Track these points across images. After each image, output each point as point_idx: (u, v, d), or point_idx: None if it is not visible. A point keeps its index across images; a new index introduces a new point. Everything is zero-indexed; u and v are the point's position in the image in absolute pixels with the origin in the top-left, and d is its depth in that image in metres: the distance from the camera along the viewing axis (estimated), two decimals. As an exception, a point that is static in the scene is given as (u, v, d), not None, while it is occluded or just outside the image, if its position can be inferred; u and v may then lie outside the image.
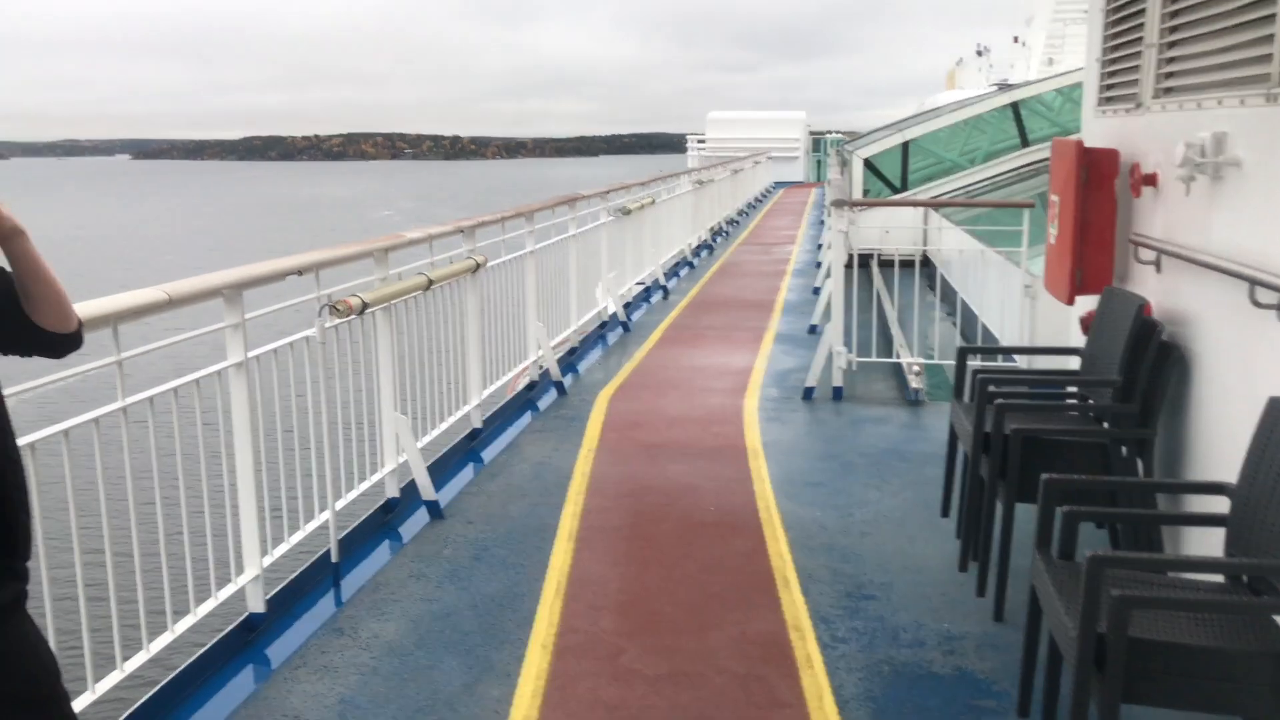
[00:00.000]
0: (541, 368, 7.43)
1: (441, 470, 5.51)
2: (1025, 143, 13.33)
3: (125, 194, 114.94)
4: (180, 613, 3.45)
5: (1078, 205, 4.32)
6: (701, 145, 29.52)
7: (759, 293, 11.98)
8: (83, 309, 2.77)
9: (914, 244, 12.33)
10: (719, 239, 17.57)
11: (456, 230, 5.77)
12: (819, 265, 14.10)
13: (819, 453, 5.90)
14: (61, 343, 1.93)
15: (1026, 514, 3.37)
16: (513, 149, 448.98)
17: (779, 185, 30.65)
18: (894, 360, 7.46)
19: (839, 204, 6.98)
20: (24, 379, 2.59)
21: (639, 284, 11.37)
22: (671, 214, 13.29)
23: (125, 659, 3.15)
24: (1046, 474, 2.89)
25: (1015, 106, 13.24)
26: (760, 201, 26.40)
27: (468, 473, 5.65)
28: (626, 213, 10.08)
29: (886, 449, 5.93)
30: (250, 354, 3.73)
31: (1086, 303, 4.47)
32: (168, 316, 3.38)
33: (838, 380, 7.05)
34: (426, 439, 5.41)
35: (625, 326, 9.65)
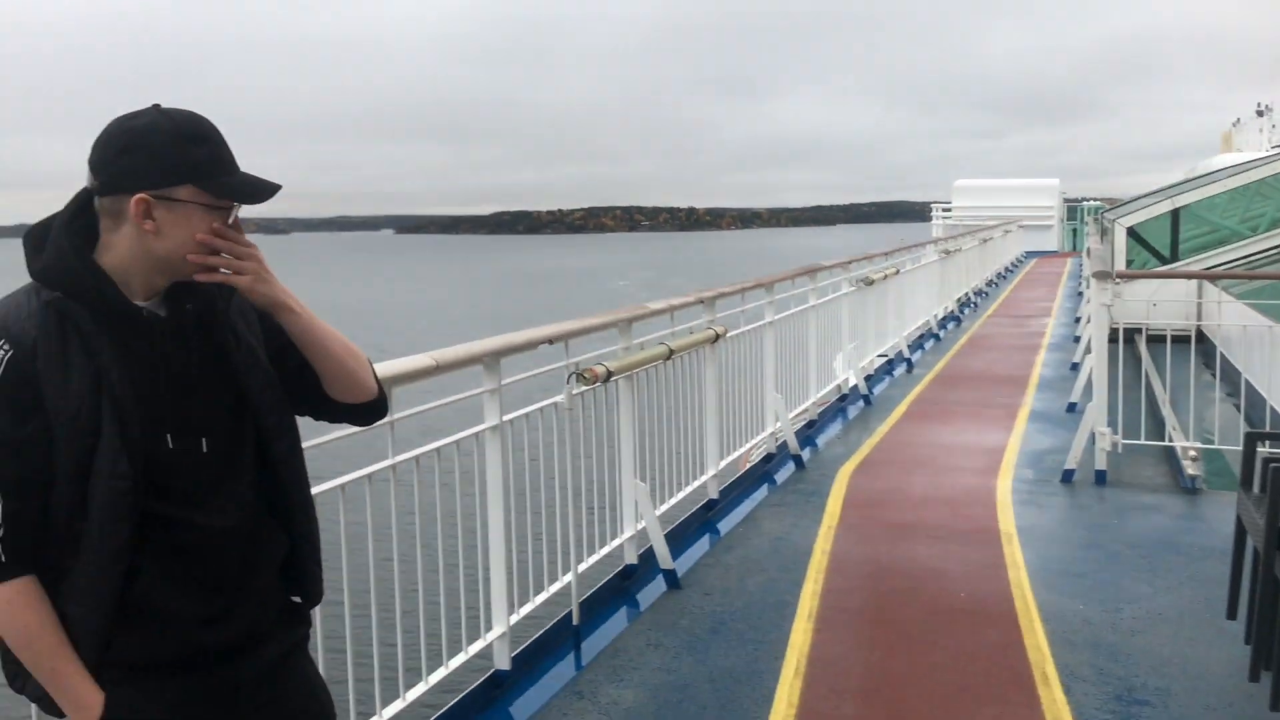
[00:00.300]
0: (779, 440, 7.34)
1: (678, 539, 5.51)
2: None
3: (390, 266, 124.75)
4: (433, 663, 3.59)
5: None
6: (947, 214, 28.73)
7: (1011, 367, 11.39)
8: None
9: (1186, 318, 11.42)
10: (967, 310, 16.93)
11: (697, 301, 5.83)
12: (1077, 340, 13.29)
13: (1080, 540, 5.48)
14: (361, 411, 1.95)
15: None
16: (747, 220, 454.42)
17: (1031, 255, 29.34)
18: (1165, 444, 6.85)
19: (1101, 275, 6.53)
20: (309, 435, 2.79)
21: (881, 356, 11.10)
22: (916, 284, 12.94)
23: (384, 705, 3.29)
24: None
25: (1304, 169, 12.02)
26: (1011, 272, 25.31)
27: (704, 543, 5.62)
28: (869, 283, 9.89)
29: (1158, 540, 5.43)
30: (505, 418, 3.89)
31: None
32: (431, 381, 3.57)
33: (1101, 463, 6.56)
34: (664, 507, 5.43)
35: (867, 400, 9.42)
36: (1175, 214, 12.45)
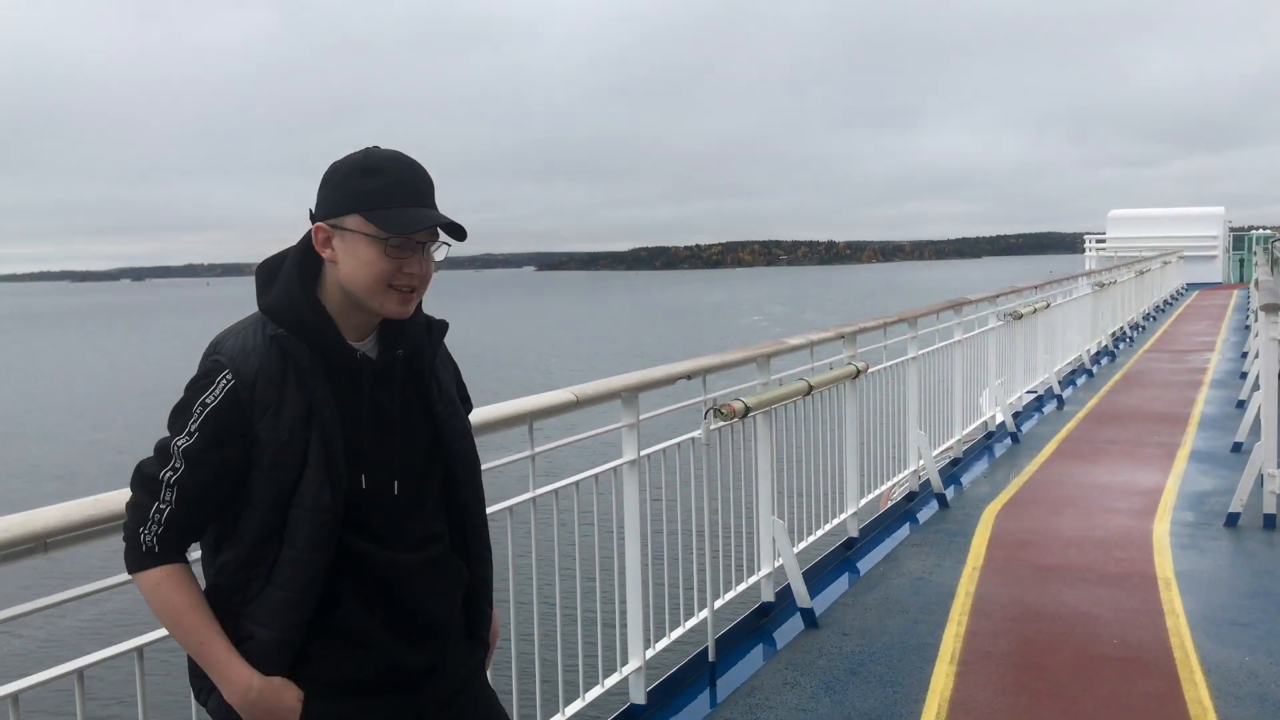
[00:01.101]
0: (922, 478, 7.18)
1: (816, 577, 5.45)
2: None
3: (533, 302, 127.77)
4: (570, 696, 3.65)
5: None
6: (1101, 245, 27.59)
7: (1170, 404, 10.84)
8: (503, 408, 3.08)
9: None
10: (1122, 345, 16.22)
11: (838, 336, 5.79)
12: (1243, 376, 12.56)
13: (1246, 589, 5.17)
14: None
15: None
16: (889, 252, 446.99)
17: (1192, 287, 27.91)
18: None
19: (1272, 308, 6.17)
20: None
21: (1030, 392, 10.74)
22: (1068, 318, 12.49)
23: None
24: None
25: None
26: (1170, 305, 24.12)
27: (842, 582, 5.54)
28: (1017, 317, 9.61)
29: (1336, 591, 5.07)
30: (643, 452, 3.95)
31: None
32: (570, 415, 3.67)
33: (1270, 506, 6.18)
34: (802, 545, 5.39)
35: (1014, 438, 9.12)
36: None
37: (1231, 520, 6.25)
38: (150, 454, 1.79)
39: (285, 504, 1.74)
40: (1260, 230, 36.75)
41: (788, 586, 5.00)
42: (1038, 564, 5.65)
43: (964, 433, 8.37)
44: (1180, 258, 26.98)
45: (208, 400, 1.73)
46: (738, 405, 4.39)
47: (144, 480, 1.77)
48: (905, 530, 6.50)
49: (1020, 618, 4.86)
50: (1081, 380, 12.90)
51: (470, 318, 79.80)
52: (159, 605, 1.77)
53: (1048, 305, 11.06)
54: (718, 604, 4.48)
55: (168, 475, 1.74)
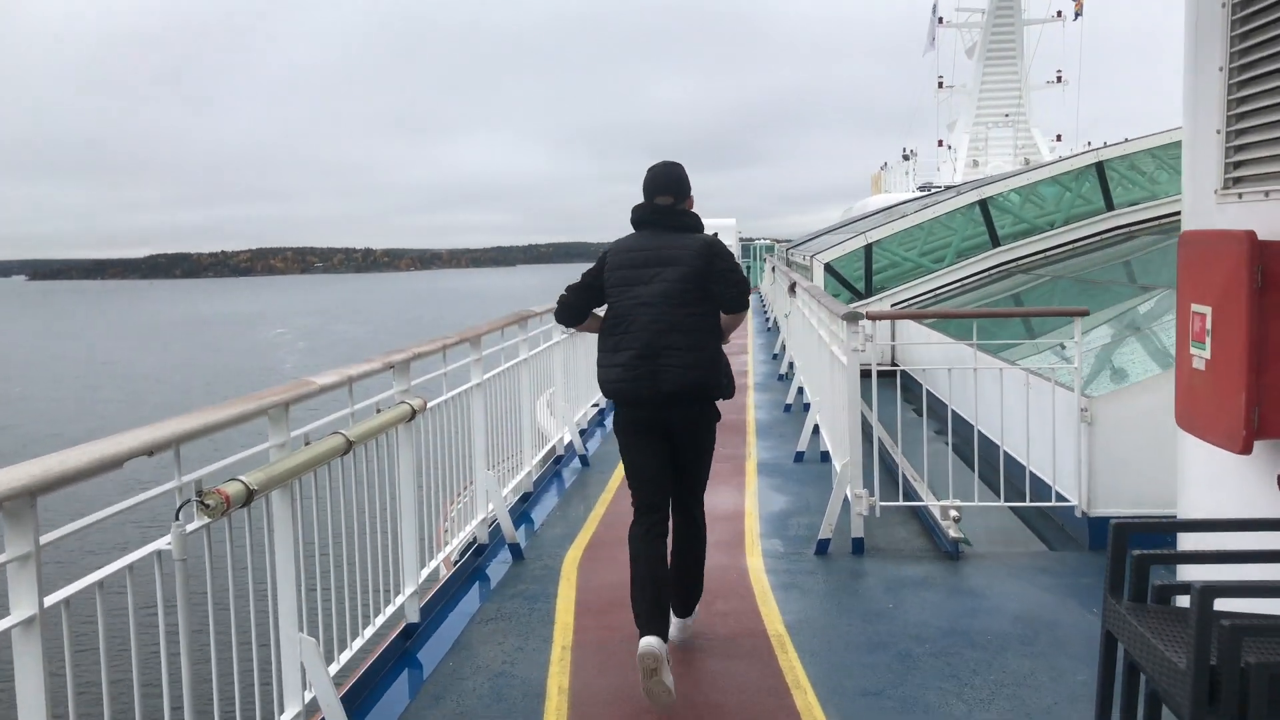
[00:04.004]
0: (491, 524, 6.01)
1: (369, 686, 4.06)
2: (996, 242, 12.44)
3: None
4: None
5: (1251, 318, 3.16)
6: (632, 253, 28.80)
7: (724, 409, 10.69)
8: None
9: (881, 355, 11.09)
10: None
11: (385, 367, 4.39)
12: (782, 378, 12.96)
13: (864, 640, 4.54)
14: None
15: None
16: (428, 261, 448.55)
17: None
18: (921, 503, 6.16)
19: (852, 317, 5.73)
20: None
21: (594, 405, 10.06)
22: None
23: None
24: None
25: (983, 204, 12.37)
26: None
27: (402, 690, 4.18)
28: (579, 329, 8.83)
29: (946, 629, 4.62)
30: (49, 601, 2.30)
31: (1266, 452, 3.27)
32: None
33: (857, 530, 5.77)
34: (346, 655, 3.95)
35: (584, 460, 8.29)
36: (869, 249, 12.42)
37: (822, 548, 5.77)
38: None
39: None
40: (762, 240, 40.73)
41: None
42: (635, 633, 4.66)
43: (534, 462, 7.35)
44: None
45: None
46: (233, 488, 2.86)
47: None
48: (476, 599, 5.26)
49: (631, 717, 3.82)
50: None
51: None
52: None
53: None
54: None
55: None
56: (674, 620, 4.39)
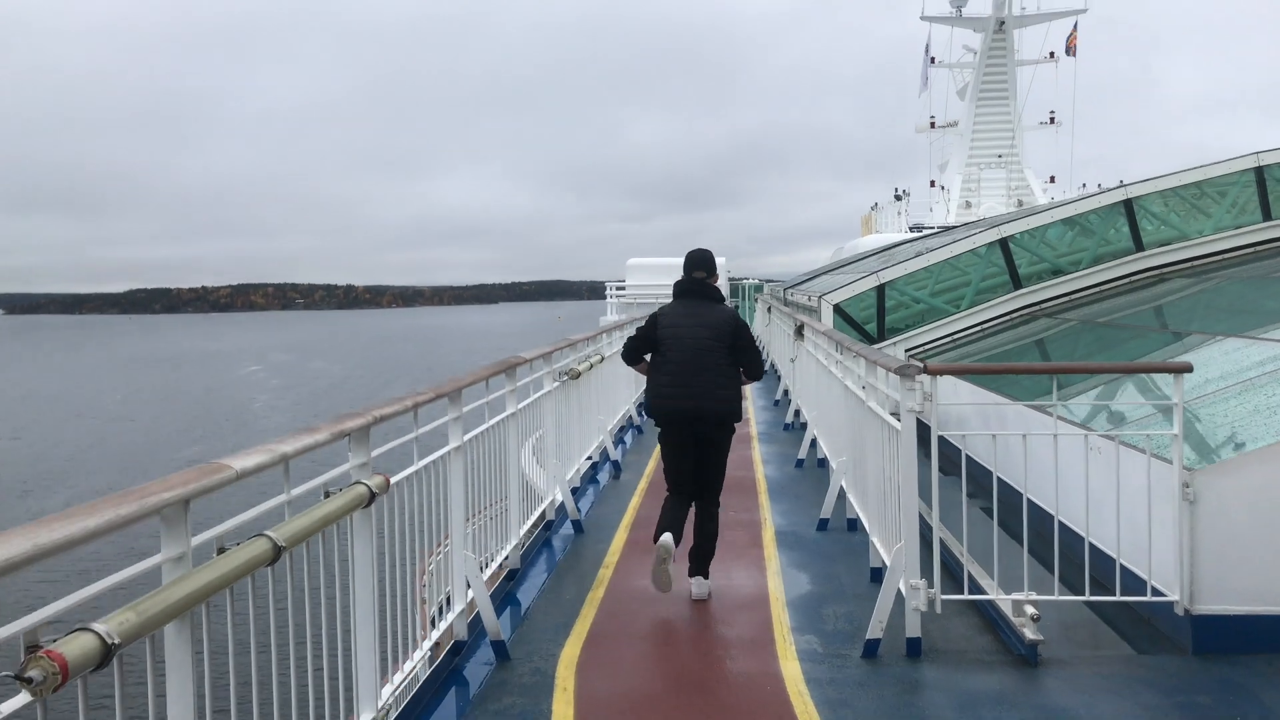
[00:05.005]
0: (471, 615, 5.01)
1: None
2: (1018, 284, 11.56)
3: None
4: None
5: None
6: (622, 292, 27.85)
7: (730, 465, 9.71)
8: None
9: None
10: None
11: (338, 436, 3.39)
12: (787, 428, 12.01)
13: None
14: None
15: None
16: (409, 297, 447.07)
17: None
18: (988, 596, 5.12)
19: (907, 371, 4.76)
20: None
21: (587, 459, 9.08)
22: (616, 371, 11.12)
23: None
24: None
25: (1004, 243, 11.48)
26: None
27: None
28: (575, 376, 7.87)
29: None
30: None
31: None
32: None
33: (913, 628, 4.78)
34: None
35: (578, 526, 7.30)
36: (881, 290, 11.52)
37: (870, 650, 4.78)
38: None
39: None
40: (751, 280, 39.92)
41: None
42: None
43: (523, 532, 6.36)
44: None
45: None
46: (76, 646, 1.87)
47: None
48: (453, 712, 4.26)
49: None
50: (630, 437, 11.63)
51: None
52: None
53: (602, 359, 9.52)
54: None
55: None
56: (694, 580, 5.72)
